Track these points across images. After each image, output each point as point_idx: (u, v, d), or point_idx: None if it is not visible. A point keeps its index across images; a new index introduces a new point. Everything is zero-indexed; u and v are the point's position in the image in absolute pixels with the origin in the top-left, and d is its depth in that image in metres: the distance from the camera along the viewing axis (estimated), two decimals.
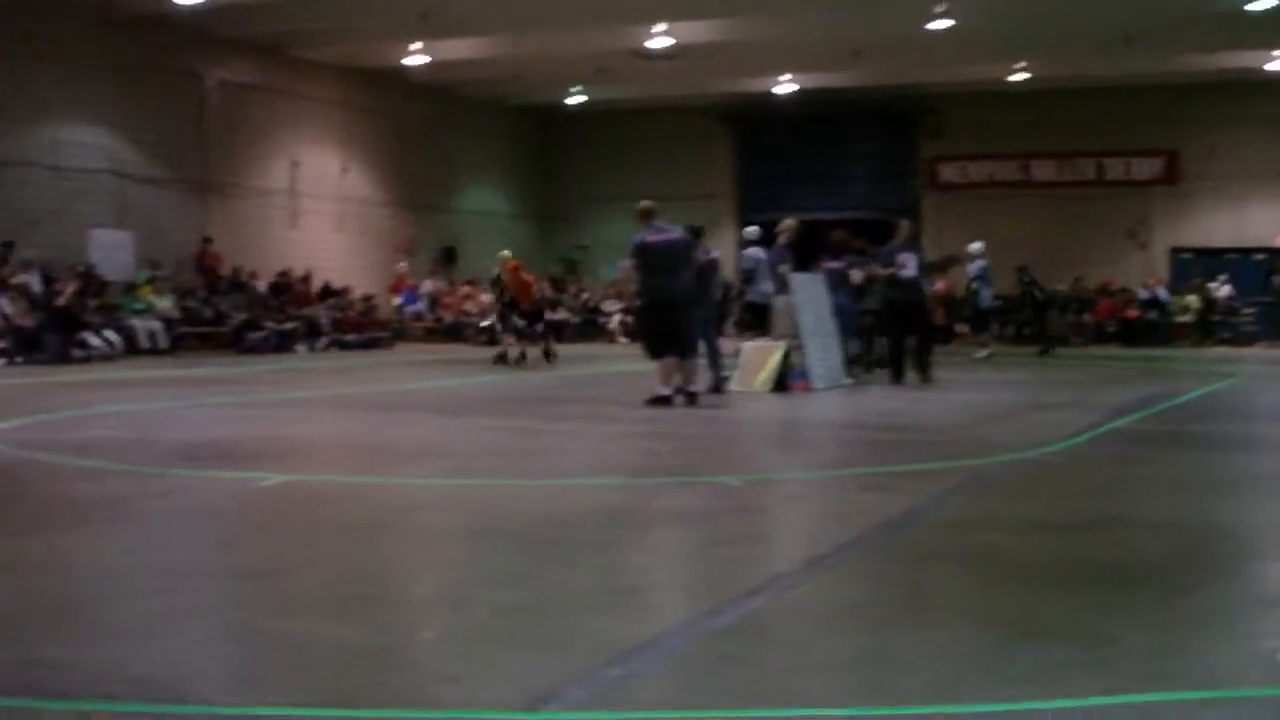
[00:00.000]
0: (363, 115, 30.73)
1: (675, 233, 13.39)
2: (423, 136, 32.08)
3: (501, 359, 20.59)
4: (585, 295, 34.41)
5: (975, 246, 24.52)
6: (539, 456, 9.87)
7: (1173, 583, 5.40)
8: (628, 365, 17.00)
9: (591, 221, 36.37)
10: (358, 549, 6.35)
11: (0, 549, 6.11)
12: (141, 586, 5.38)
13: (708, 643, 4.56)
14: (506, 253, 21.40)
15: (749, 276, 17.19)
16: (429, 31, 25.82)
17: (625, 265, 14.92)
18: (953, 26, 24.51)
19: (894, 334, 16.64)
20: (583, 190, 36.57)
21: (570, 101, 34.70)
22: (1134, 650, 4.36)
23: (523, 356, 20.64)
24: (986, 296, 24.82)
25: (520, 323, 21.08)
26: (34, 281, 21.86)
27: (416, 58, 28.03)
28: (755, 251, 17.15)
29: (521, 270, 21.29)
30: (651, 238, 13.18)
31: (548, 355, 20.99)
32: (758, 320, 16.66)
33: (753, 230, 17.89)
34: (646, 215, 13.33)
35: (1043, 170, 33.86)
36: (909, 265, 16.34)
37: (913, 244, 17.04)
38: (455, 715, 3.71)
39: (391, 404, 14.51)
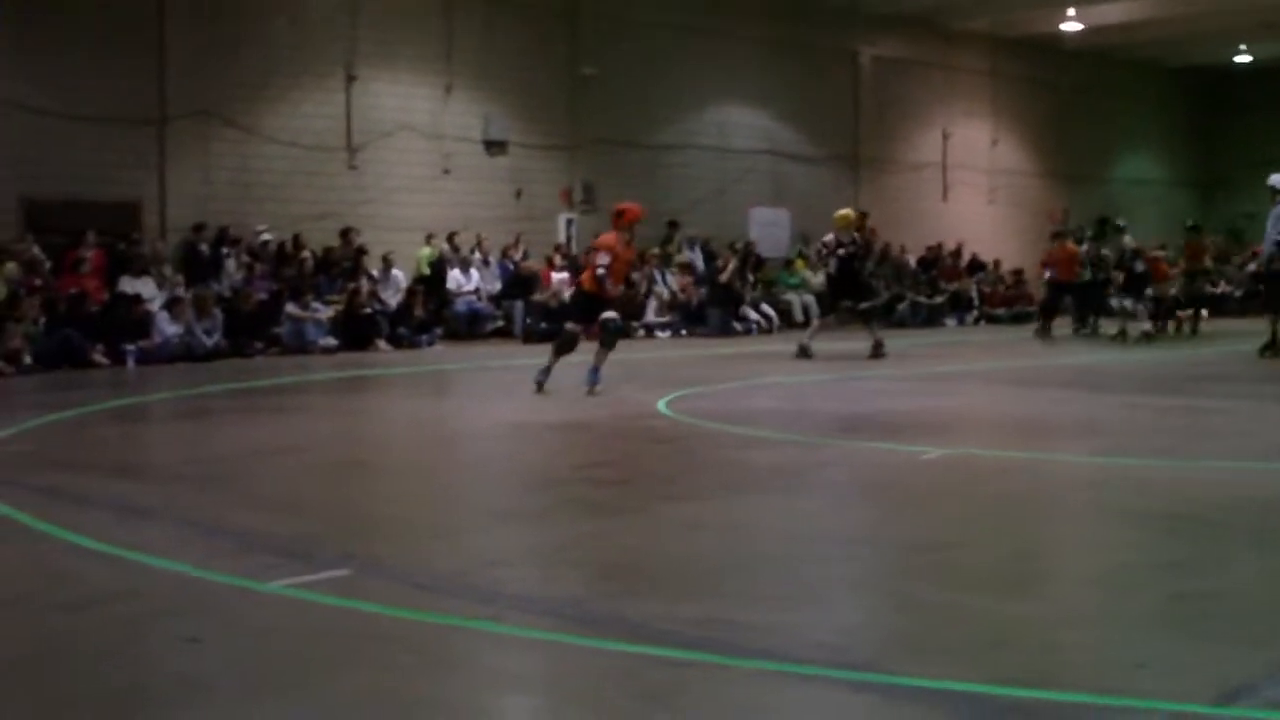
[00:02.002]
0: (1014, 84, 30.33)
1: None
2: (1076, 104, 31.20)
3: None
4: (1254, 266, 32.11)
5: None
6: (1214, 438, 9.29)
7: None
8: None
9: (1257, 187, 33.86)
10: (1026, 525, 6.28)
11: (687, 510, 6.52)
12: (821, 553, 5.58)
13: None
14: (847, 211, 17.03)
15: None
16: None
17: None
18: None
19: None
20: (1247, 155, 34.12)
21: (1236, 60, 32.50)
22: None
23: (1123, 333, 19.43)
24: None
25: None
26: (697, 259, 23.26)
27: (1072, 23, 27.28)
28: None
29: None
30: None
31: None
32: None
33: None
34: None
35: None
36: None
37: None
38: (1152, 705, 3.56)
39: (1038, 379, 14.19)
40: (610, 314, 11.65)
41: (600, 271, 11.51)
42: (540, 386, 11.51)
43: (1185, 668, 3.90)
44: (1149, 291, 20.24)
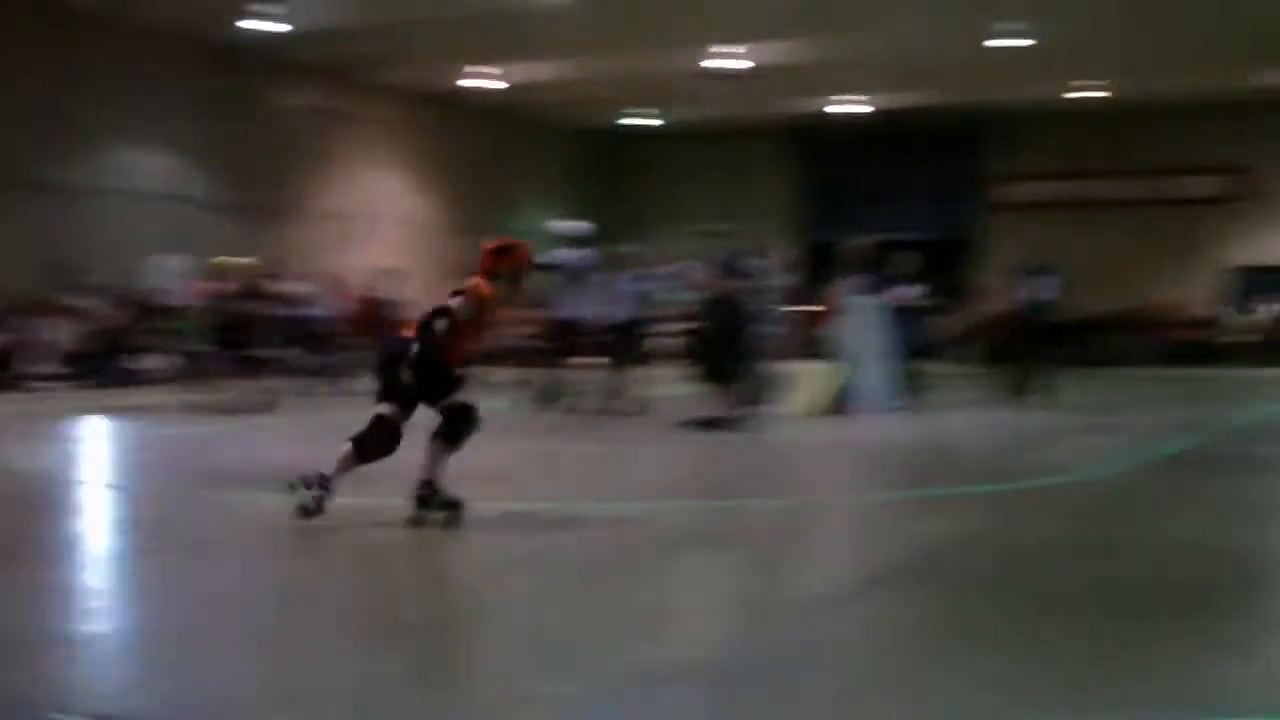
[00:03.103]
0: (424, 138, 31.11)
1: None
2: (482, 160, 32.38)
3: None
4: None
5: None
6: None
7: (1210, 607, 5.45)
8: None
9: (649, 246, 36.46)
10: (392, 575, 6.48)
11: None
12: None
13: (746, 666, 4.66)
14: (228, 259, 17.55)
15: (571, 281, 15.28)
16: (490, 55, 26.16)
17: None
18: (1021, 45, 24.45)
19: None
20: (646, 213, 36.76)
21: (633, 123, 34.94)
22: (1166, 677, 4.44)
23: None
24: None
25: None
26: (93, 305, 22.25)
27: (477, 80, 28.40)
28: (570, 254, 15.56)
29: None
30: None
31: None
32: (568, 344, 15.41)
33: (572, 226, 16.28)
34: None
35: (1106, 188, 33.67)
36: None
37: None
38: None
39: None
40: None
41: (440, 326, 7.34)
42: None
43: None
44: None
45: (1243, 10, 22.84)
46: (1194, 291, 32.09)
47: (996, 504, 8.48)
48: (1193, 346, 30.46)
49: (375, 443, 7.17)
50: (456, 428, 7.26)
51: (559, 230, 16.74)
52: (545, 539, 7.21)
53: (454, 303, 7.32)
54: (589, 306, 15.20)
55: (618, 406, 14.86)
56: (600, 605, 5.65)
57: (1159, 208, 32.99)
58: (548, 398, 15.44)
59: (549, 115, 33.70)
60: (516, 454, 10.74)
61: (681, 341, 16.27)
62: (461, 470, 7.30)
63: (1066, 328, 26.77)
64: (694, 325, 14.49)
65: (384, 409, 7.22)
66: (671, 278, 16.23)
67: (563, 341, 15.48)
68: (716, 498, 8.85)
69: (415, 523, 7.15)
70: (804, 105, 32.63)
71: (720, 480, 9.99)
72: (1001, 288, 19.07)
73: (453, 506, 7.23)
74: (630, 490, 9.39)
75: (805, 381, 15.37)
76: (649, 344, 17.75)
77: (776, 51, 26.06)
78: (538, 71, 28.26)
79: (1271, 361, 29.24)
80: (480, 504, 7.34)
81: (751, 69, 26.76)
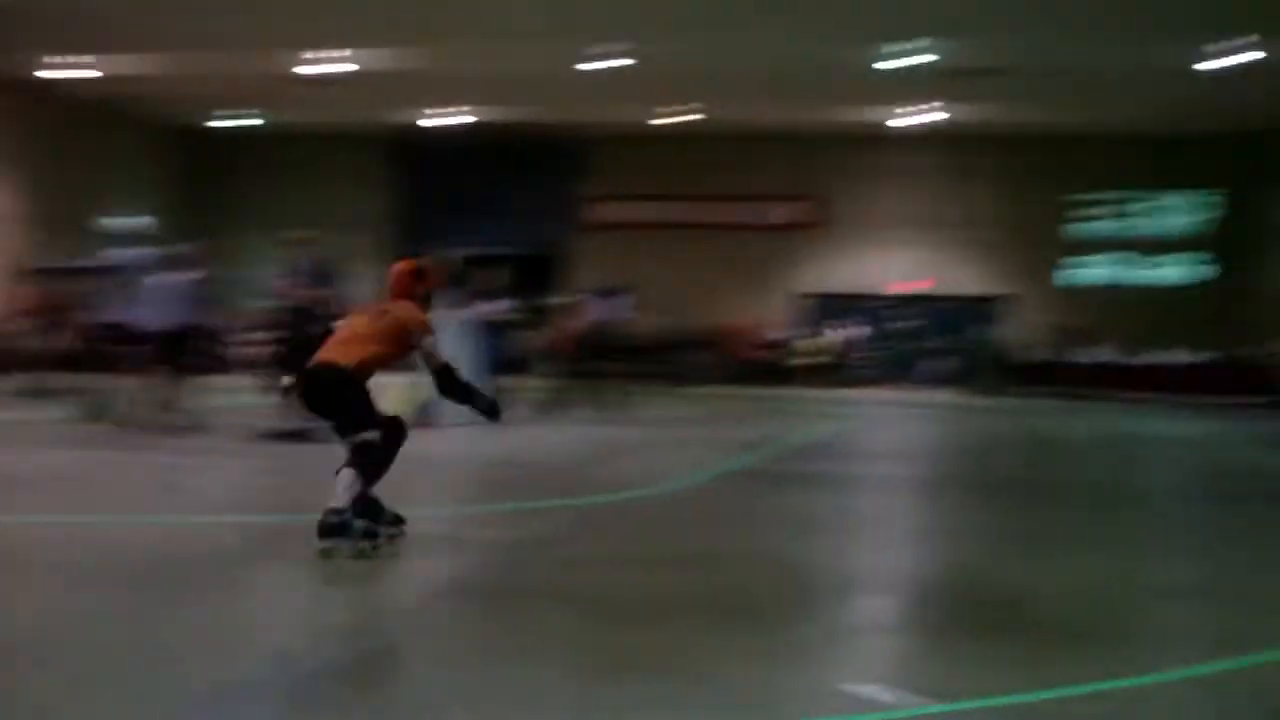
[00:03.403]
0: (7, 128, 29.13)
1: None
2: (66, 152, 30.58)
3: None
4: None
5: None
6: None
7: (765, 617, 5.69)
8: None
9: (241, 249, 35.46)
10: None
11: None
12: None
13: (301, 684, 4.55)
14: None
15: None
16: (74, 45, 24.80)
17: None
18: (614, 67, 25.11)
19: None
20: (241, 215, 35.66)
21: (232, 124, 33.83)
22: (723, 683, 4.58)
23: None
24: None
25: None
26: None
27: (61, 71, 26.87)
28: (125, 253, 14.81)
29: None
30: None
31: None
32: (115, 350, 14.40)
33: (126, 223, 15.83)
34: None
35: (690, 212, 34.99)
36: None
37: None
38: None
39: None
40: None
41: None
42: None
43: None
44: None
45: (809, 49, 24.33)
46: (770, 314, 33.82)
47: (571, 517, 8.62)
48: (765, 367, 32.07)
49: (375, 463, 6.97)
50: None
51: (112, 227, 15.71)
52: (98, 555, 6.83)
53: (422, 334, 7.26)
54: (143, 310, 13.92)
55: (169, 419, 13.60)
56: (163, 623, 5.42)
57: (739, 232, 34.59)
58: (97, 408, 14.29)
59: (143, 110, 32.33)
60: (69, 464, 10.16)
61: (262, 350, 15.69)
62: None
63: (644, 346, 27.71)
64: (275, 334, 14.02)
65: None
66: (247, 282, 15.63)
67: (110, 346, 14.33)
68: (287, 511, 8.60)
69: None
70: (404, 115, 32.52)
71: (293, 494, 9.73)
72: (579, 305, 19.48)
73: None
74: (191, 505, 9.02)
75: (387, 394, 15.16)
76: (229, 352, 17.14)
77: (375, 59, 25.84)
78: (126, 65, 26.98)
79: (838, 383, 31.16)
80: (27, 518, 6.89)
81: (349, 75, 26.46)
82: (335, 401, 7.05)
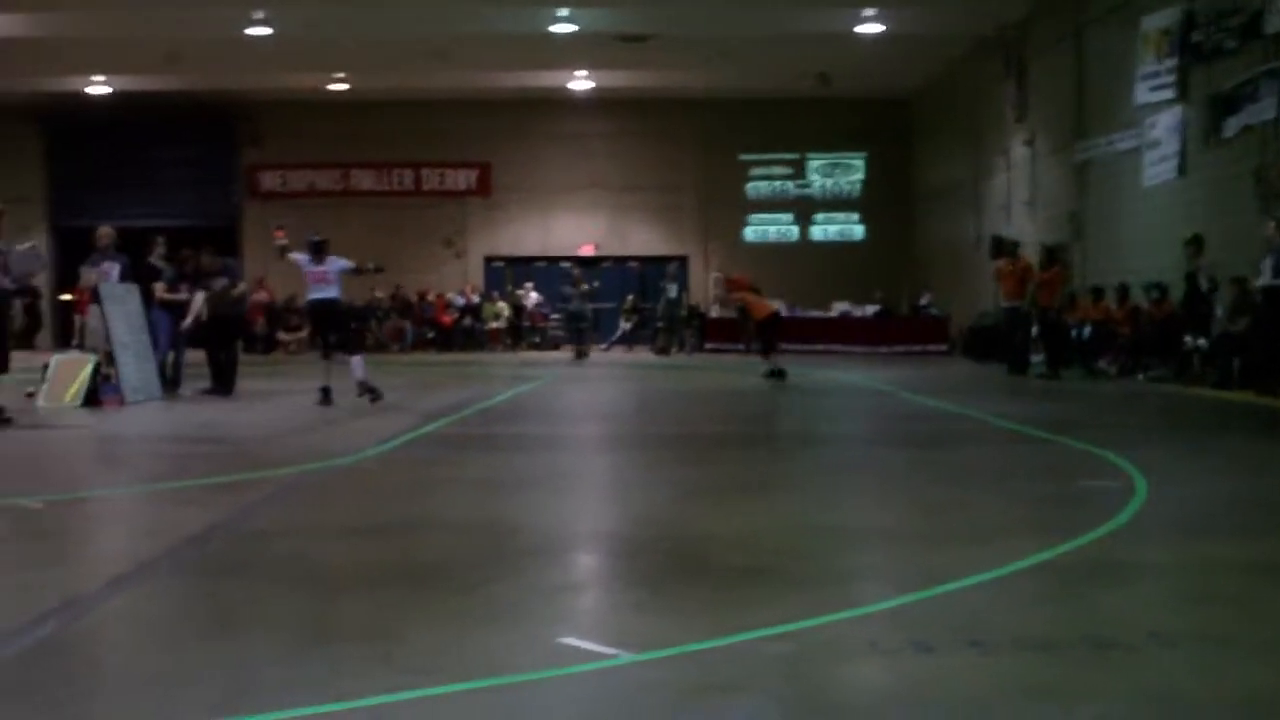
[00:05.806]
0: None
1: None
2: None
3: None
4: None
5: None
6: None
7: (466, 579, 5.73)
8: None
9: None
10: None
11: None
12: None
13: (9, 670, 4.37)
14: None
15: None
16: None
17: None
18: (271, 34, 24.52)
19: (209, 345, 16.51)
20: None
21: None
22: (422, 647, 4.62)
23: None
24: None
25: None
26: None
27: None
28: None
29: None
30: None
31: None
32: None
33: None
34: None
35: (363, 179, 34.61)
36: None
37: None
38: None
39: None
40: None
41: None
42: None
43: None
44: None
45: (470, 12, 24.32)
46: (452, 281, 33.79)
47: (267, 490, 8.47)
48: (457, 332, 32.04)
49: None
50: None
51: None
52: None
53: None
54: None
55: None
56: None
57: (414, 198, 34.41)
58: None
59: None
60: None
61: None
62: None
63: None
64: None
65: None
66: None
67: None
68: None
69: None
70: (55, 84, 30.90)
71: None
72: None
73: None
74: None
75: (60, 371, 14.59)
76: None
77: (19, 24, 24.41)
78: None
79: (530, 345, 31.48)
80: None
81: None
82: None
